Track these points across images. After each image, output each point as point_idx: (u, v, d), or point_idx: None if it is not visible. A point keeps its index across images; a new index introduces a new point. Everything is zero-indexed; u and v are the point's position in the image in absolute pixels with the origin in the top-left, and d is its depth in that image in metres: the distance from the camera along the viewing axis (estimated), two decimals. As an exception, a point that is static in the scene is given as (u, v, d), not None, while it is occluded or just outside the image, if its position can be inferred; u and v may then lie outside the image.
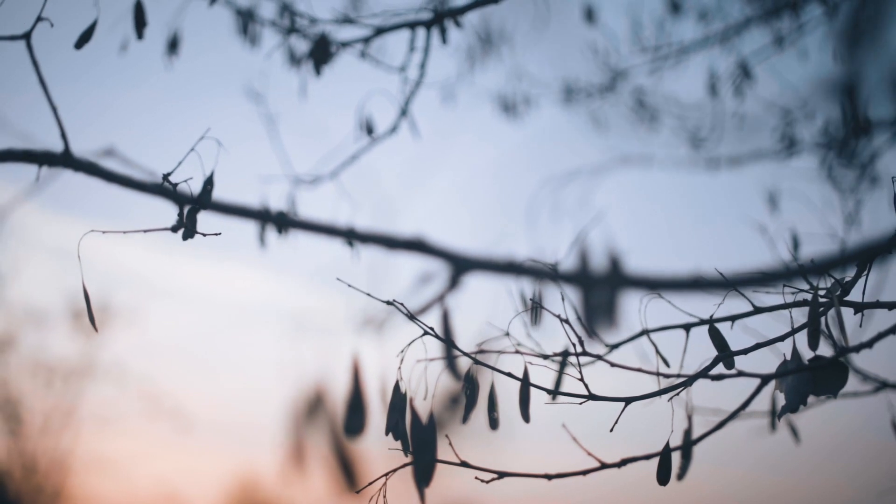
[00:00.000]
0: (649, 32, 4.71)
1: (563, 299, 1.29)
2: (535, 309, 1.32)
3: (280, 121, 2.78)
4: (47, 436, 16.41)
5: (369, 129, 2.49)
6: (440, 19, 2.41)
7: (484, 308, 1.38)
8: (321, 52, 2.46)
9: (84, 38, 2.07)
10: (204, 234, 1.57)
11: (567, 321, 1.24)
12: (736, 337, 2.18)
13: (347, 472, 0.97)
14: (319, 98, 2.95)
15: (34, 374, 16.36)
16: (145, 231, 1.54)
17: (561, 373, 1.81)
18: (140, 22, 2.25)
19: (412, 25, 2.46)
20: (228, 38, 2.98)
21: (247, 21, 2.79)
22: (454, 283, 1.15)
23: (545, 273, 1.08)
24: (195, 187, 1.89)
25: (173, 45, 2.65)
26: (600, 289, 1.01)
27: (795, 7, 3.68)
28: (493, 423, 1.81)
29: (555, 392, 1.82)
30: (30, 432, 16.47)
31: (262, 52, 2.92)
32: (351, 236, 1.17)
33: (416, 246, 1.15)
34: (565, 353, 1.57)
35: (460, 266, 1.14)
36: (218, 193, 2.06)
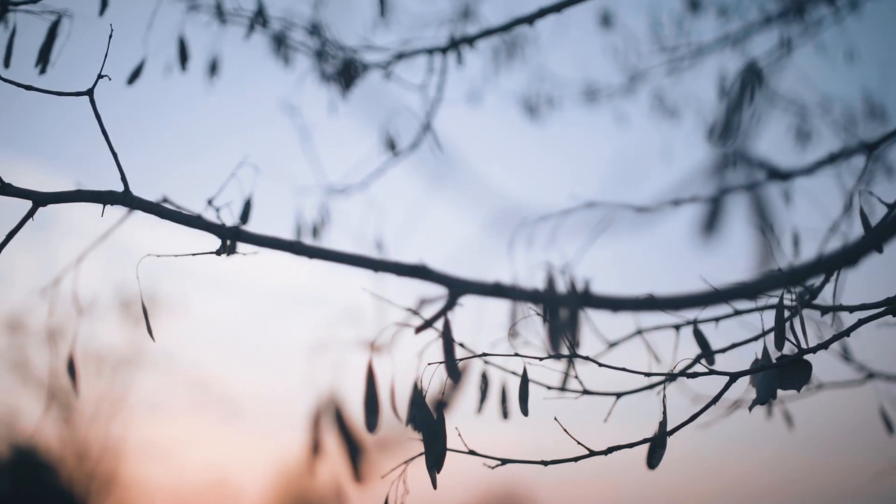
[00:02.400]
0: (668, 31, 4.88)
1: (558, 313, 1.50)
2: (545, 320, 1.53)
3: (312, 134, 3.02)
4: (98, 423, 16.87)
5: (392, 145, 2.72)
6: (455, 45, 2.63)
7: (486, 321, 1.60)
8: (348, 76, 2.69)
9: (135, 75, 2.32)
10: (244, 254, 1.82)
11: (562, 330, 1.45)
12: (733, 332, 2.39)
13: (362, 462, 1.21)
14: (349, 111, 3.18)
15: (84, 363, 16.80)
16: (193, 255, 1.79)
17: (567, 373, 2.04)
18: (183, 56, 2.49)
19: (430, 51, 2.68)
20: (263, 58, 3.21)
21: (280, 42, 3.03)
22: (452, 302, 1.38)
23: (527, 295, 1.30)
24: (235, 210, 2.14)
25: (213, 69, 2.89)
26: (568, 308, 1.22)
27: (801, 11, 3.83)
28: (505, 414, 2.07)
29: (561, 388, 2.06)
30: (81, 420, 16.91)
31: (295, 70, 3.16)
32: (367, 265, 1.40)
33: (420, 272, 1.38)
34: (559, 355, 1.79)
35: (457, 289, 1.37)
36: (255, 209, 2.30)
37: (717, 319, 2.04)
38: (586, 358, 1.70)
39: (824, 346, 1.69)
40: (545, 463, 1.77)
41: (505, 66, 4.49)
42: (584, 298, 1.24)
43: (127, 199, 1.53)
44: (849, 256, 1.44)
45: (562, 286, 1.26)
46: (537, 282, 1.31)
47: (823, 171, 1.26)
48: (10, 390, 16.77)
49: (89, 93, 1.64)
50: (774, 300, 2.01)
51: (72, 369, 1.29)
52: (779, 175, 1.19)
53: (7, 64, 1.99)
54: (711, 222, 0.79)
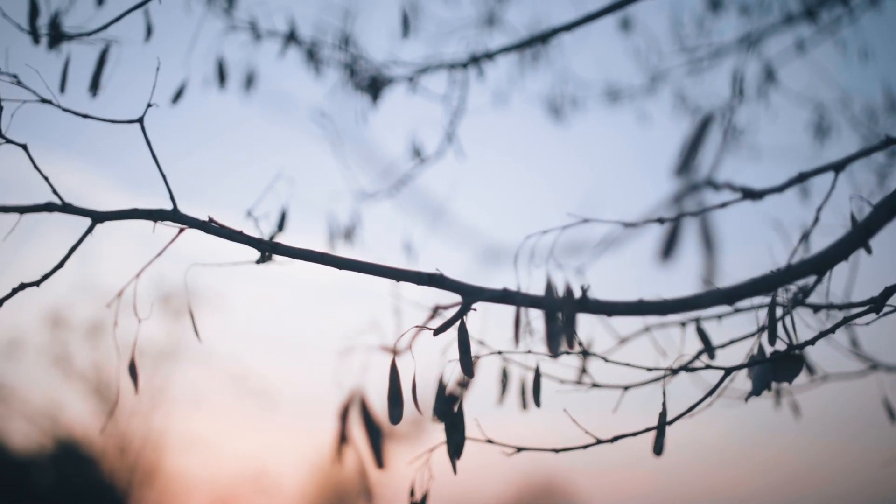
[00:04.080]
0: (689, 31, 4.99)
1: (555, 317, 1.66)
2: (546, 323, 1.69)
3: (343, 142, 3.20)
4: (139, 416, 17.18)
5: (418, 153, 2.89)
6: (476, 60, 2.79)
7: (503, 322, 1.77)
8: (375, 87, 2.87)
9: (178, 95, 2.51)
10: (280, 263, 2.00)
11: (560, 332, 1.61)
12: (742, 327, 2.54)
13: (384, 450, 1.38)
14: (378, 120, 3.35)
15: (125, 356, 17.09)
16: (235, 264, 1.97)
17: (582, 368, 2.21)
18: (222, 75, 2.67)
19: (451, 66, 2.85)
20: (296, 69, 3.39)
21: (312, 56, 3.20)
22: (466, 307, 1.55)
23: (531, 300, 1.47)
24: (273, 219, 2.31)
25: (249, 83, 3.07)
26: (566, 313, 1.39)
27: (814, 13, 3.95)
28: (524, 405, 2.24)
29: (577, 382, 2.23)
30: (122, 413, 17.22)
31: (327, 81, 3.34)
32: (390, 274, 1.57)
33: (436, 280, 1.55)
34: (568, 352, 1.95)
35: (469, 295, 1.54)
36: (290, 211, 2.47)
37: (719, 317, 2.20)
38: (593, 354, 1.86)
39: (811, 342, 1.84)
40: (556, 450, 1.93)
41: (530, 69, 4.63)
42: (581, 304, 1.41)
43: (176, 216, 1.71)
44: (831, 258, 1.59)
45: (561, 293, 1.42)
46: (540, 290, 1.47)
47: (792, 190, 1.42)
48: (53, 384, 17.12)
49: (140, 120, 1.82)
50: (781, 297, 2.16)
51: (133, 371, 1.48)
52: (752, 195, 1.34)
53: (63, 89, 2.18)
54: (669, 247, 0.94)
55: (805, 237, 1.37)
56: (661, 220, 1.17)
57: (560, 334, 1.37)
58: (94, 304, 17.21)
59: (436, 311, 1.54)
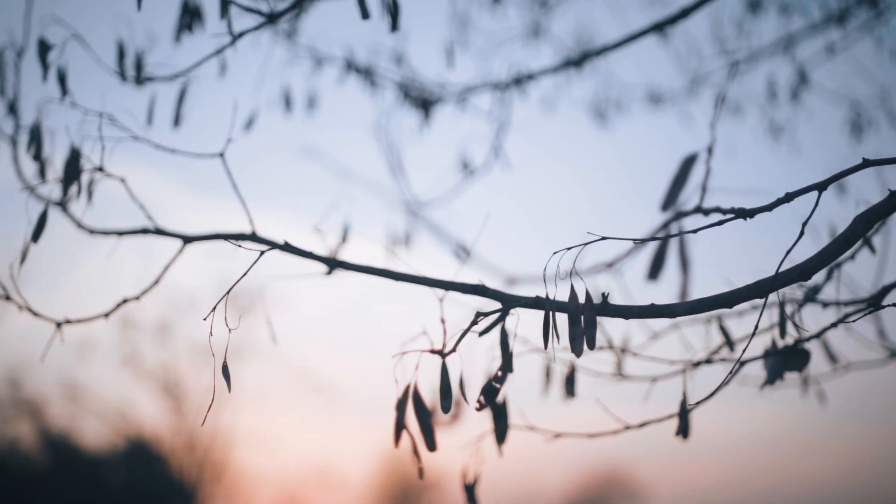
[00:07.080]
0: (728, 34, 5.18)
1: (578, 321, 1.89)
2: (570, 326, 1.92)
3: (399, 154, 3.47)
4: (207, 414, 17.61)
5: (466, 166, 3.15)
6: (518, 82, 3.04)
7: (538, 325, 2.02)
8: (426, 107, 3.13)
9: (249, 123, 2.79)
10: (342, 276, 2.27)
11: (582, 334, 1.83)
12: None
13: (435, 436, 1.64)
14: (429, 135, 3.62)
15: (192, 355, 17.61)
16: (305, 276, 2.24)
17: (619, 365, 2.46)
18: (288, 103, 2.96)
19: (495, 86, 3.10)
20: (354, 90, 3.67)
21: (368, 77, 3.48)
22: (505, 313, 1.80)
23: (559, 306, 1.72)
24: (338, 231, 2.58)
25: (311, 104, 3.36)
26: (587, 317, 1.64)
27: (843, 18, 4.13)
28: (566, 395, 2.48)
29: (617, 373, 2.47)
30: (190, 411, 17.69)
31: (381, 98, 3.61)
32: (439, 285, 1.83)
33: (479, 290, 1.81)
34: (601, 349, 2.20)
35: (508, 302, 1.79)
36: (349, 215, 2.74)
37: (739, 314, 2.43)
38: (624, 350, 2.11)
39: (817, 336, 2.07)
40: (590, 436, 2.18)
41: (575, 76, 4.85)
42: (601, 308, 1.66)
43: (256, 239, 1.98)
44: (814, 265, 1.81)
45: (583, 300, 1.66)
46: (566, 297, 1.71)
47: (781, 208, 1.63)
48: (123, 384, 17.62)
49: (221, 154, 2.09)
50: (792, 296, 2.38)
51: (226, 372, 1.75)
52: (744, 214, 1.55)
53: (150, 122, 2.46)
54: (655, 268, 1.18)
55: (790, 251, 1.59)
56: (663, 238, 1.39)
57: (582, 336, 1.62)
58: (162, 305, 17.68)
59: (478, 316, 1.78)
